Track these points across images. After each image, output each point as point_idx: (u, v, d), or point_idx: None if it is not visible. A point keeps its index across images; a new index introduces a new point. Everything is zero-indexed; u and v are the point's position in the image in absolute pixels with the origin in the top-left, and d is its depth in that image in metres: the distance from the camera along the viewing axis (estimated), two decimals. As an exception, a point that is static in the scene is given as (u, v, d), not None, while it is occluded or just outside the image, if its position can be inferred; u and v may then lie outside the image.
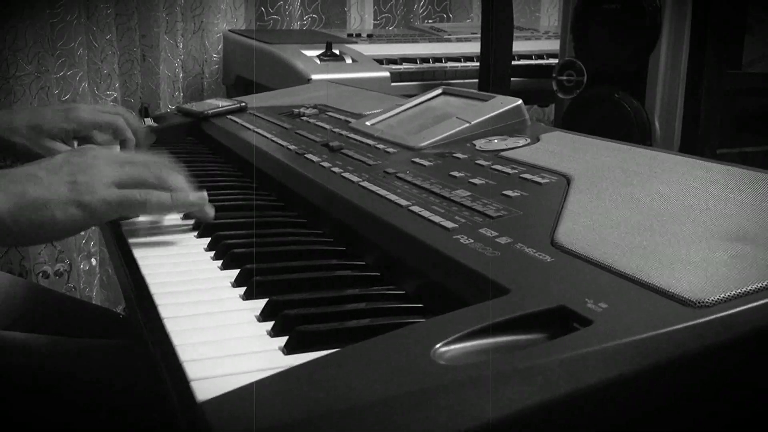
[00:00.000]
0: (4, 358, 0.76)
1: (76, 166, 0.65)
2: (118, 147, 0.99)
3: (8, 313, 0.93)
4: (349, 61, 1.66)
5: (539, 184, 0.64)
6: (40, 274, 1.85)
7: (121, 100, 1.94)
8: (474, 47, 1.69)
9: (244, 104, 1.17)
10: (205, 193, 0.70)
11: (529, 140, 0.79)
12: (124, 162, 0.68)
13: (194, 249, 0.66)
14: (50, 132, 0.92)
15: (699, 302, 0.40)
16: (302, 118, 1.05)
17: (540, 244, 0.51)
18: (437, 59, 1.74)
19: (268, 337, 0.48)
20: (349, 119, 0.99)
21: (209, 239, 0.67)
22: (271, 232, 0.69)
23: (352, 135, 0.90)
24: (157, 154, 0.75)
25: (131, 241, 0.68)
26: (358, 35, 1.98)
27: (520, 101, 0.86)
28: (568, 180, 0.64)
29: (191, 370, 0.43)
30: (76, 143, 0.97)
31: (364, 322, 0.49)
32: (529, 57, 1.82)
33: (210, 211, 0.70)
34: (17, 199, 0.61)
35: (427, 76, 1.68)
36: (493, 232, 0.54)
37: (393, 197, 0.64)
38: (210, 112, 1.14)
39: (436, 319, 0.43)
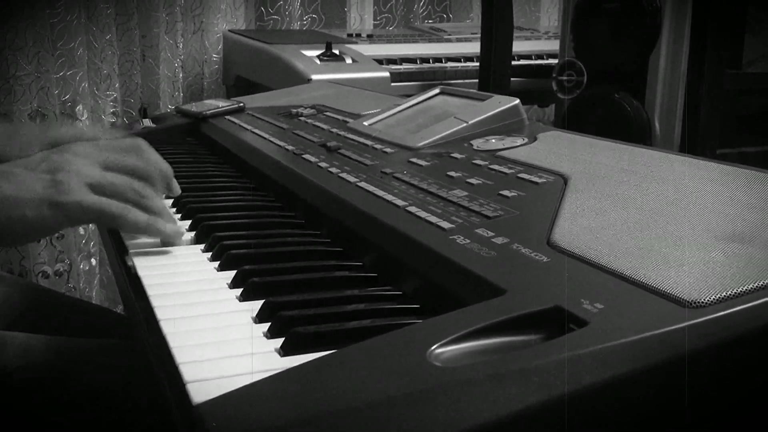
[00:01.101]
0: (3, 358, 0.76)
1: (54, 164, 0.62)
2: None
3: (8, 313, 0.93)
4: (349, 61, 1.66)
5: (536, 183, 0.64)
6: (40, 274, 1.85)
7: (121, 100, 1.94)
8: (474, 47, 1.69)
9: (242, 105, 1.17)
10: (183, 228, 0.67)
11: (526, 140, 0.78)
12: (107, 166, 0.65)
13: (191, 250, 0.66)
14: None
15: (695, 302, 0.40)
16: (300, 118, 1.05)
17: (536, 245, 0.51)
18: (437, 59, 1.74)
19: (265, 338, 0.48)
20: (347, 119, 0.99)
21: (206, 240, 0.67)
22: (268, 233, 0.69)
23: (349, 135, 0.90)
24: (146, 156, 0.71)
25: (128, 242, 0.68)
26: (358, 35, 1.98)
27: (517, 101, 0.86)
28: (565, 180, 0.64)
29: (187, 372, 0.43)
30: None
31: (361, 323, 0.49)
32: (529, 57, 1.82)
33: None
34: None
35: (427, 77, 1.68)
36: (489, 232, 0.54)
37: (390, 197, 0.64)
38: (208, 112, 1.14)
39: (433, 320, 0.43)
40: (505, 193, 0.62)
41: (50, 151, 0.65)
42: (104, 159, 0.66)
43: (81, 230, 1.91)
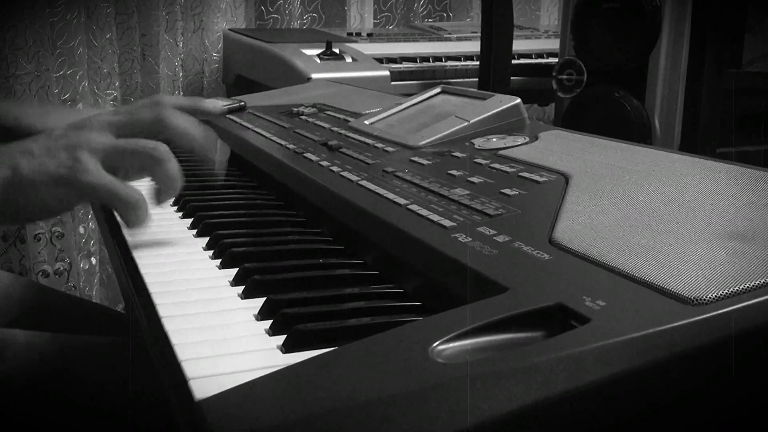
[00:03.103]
0: (5, 355, 0.77)
1: (72, 140, 0.63)
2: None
3: (8, 312, 0.94)
4: (349, 60, 1.66)
5: (538, 182, 0.64)
6: (40, 273, 1.85)
7: (121, 99, 1.94)
8: (474, 46, 1.69)
9: (243, 103, 1.17)
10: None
11: (527, 139, 0.79)
12: (121, 130, 0.65)
13: (193, 248, 0.66)
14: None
15: (697, 300, 0.40)
16: (301, 117, 1.05)
17: (538, 243, 0.51)
18: (437, 58, 1.74)
19: (267, 335, 0.48)
20: (348, 118, 0.99)
21: (208, 238, 0.67)
22: (269, 231, 0.69)
23: (350, 134, 0.90)
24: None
25: (130, 240, 0.68)
26: (358, 34, 1.98)
27: (518, 100, 0.86)
28: (566, 178, 0.64)
29: (189, 369, 0.43)
30: None
31: (362, 321, 0.49)
32: (529, 56, 1.82)
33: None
34: (10, 175, 0.60)
35: (427, 75, 1.68)
36: (491, 230, 0.54)
37: (391, 196, 0.64)
38: (209, 111, 1.14)
39: (435, 318, 0.43)
40: (507, 191, 0.62)
41: (70, 126, 0.65)
42: (118, 122, 0.66)
43: (81, 229, 1.91)
